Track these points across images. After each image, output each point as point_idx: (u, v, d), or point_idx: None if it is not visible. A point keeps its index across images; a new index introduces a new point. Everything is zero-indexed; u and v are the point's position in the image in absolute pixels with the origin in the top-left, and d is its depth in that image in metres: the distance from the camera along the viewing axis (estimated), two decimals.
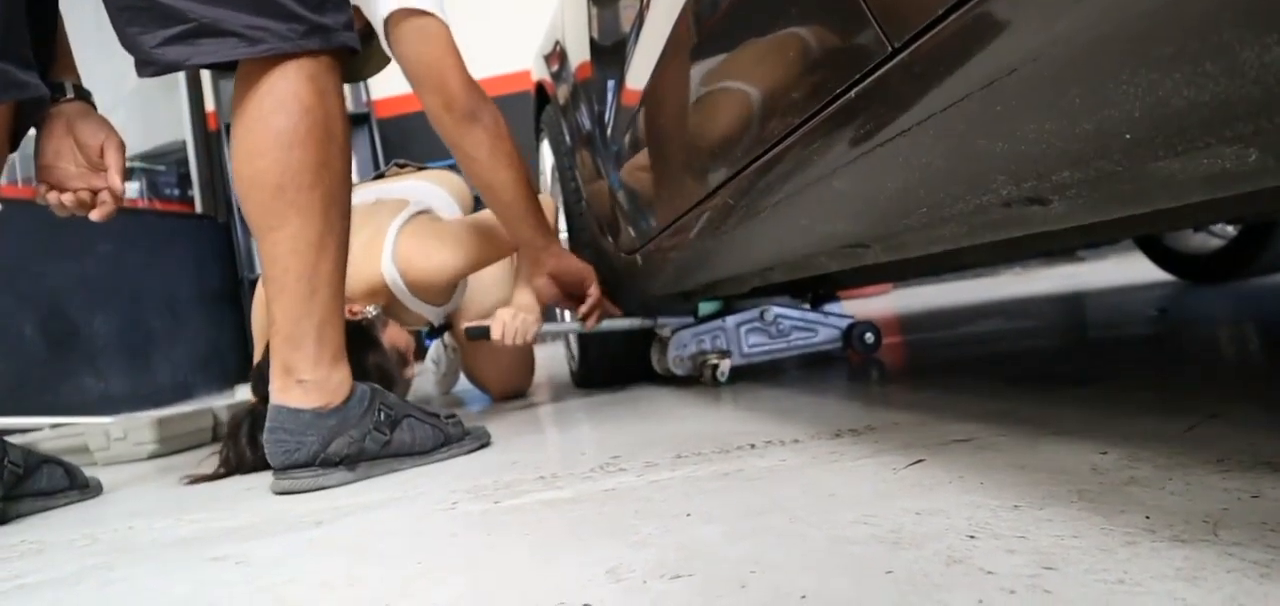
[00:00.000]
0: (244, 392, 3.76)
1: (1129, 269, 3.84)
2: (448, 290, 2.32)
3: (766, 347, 2.27)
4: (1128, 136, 0.59)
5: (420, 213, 2.32)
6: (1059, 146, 0.65)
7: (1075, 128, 0.62)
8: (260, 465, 1.74)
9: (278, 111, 1.42)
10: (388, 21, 1.76)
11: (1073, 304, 3.20)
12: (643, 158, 1.71)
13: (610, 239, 2.17)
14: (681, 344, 2.22)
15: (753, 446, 1.27)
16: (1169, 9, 0.52)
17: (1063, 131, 0.64)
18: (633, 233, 1.98)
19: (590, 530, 0.95)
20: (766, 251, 1.40)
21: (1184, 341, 1.86)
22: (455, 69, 1.79)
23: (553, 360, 3.64)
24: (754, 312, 2.25)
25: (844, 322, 2.32)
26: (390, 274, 2.18)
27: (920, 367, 2.08)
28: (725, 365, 2.16)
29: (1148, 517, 0.71)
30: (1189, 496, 0.75)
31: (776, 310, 2.26)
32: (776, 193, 1.10)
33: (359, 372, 1.61)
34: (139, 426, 2.46)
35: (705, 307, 2.40)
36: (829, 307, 2.41)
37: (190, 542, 1.21)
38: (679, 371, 2.22)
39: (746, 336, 2.25)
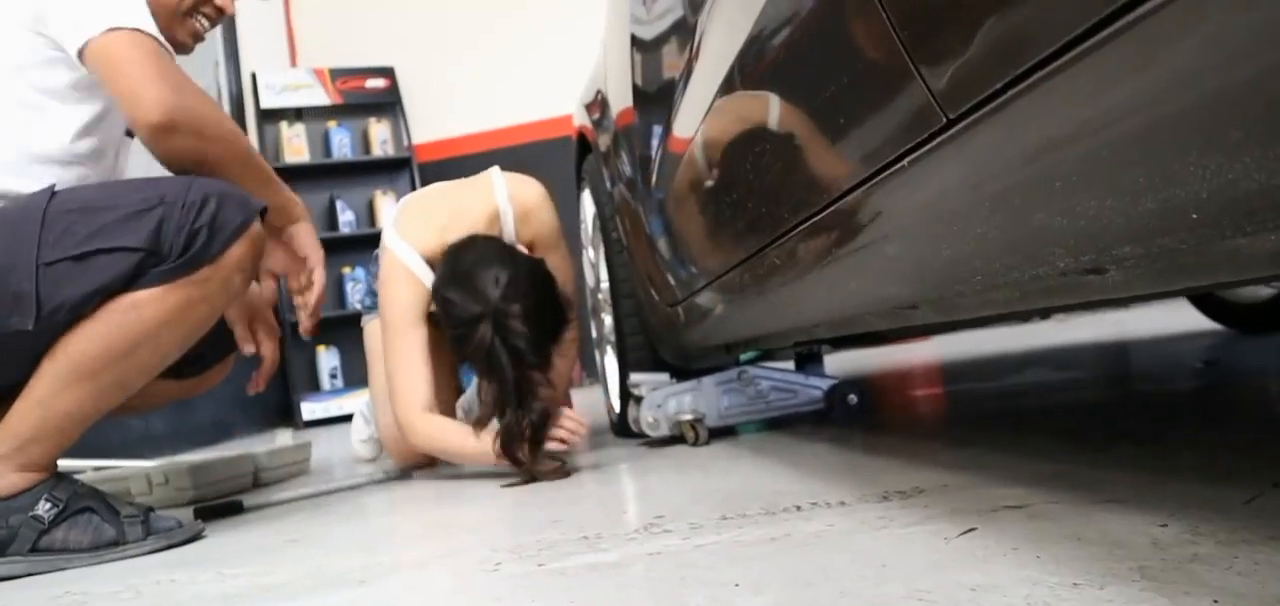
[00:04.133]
0: (285, 436, 3.78)
1: (1174, 316, 3.78)
2: (534, 231, 2.37)
3: (743, 408, 2.23)
4: (1194, 216, 0.58)
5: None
6: (1121, 223, 0.64)
7: (1138, 206, 0.61)
8: None
9: None
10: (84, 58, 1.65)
11: (1117, 354, 3.15)
12: (687, 209, 1.71)
13: (651, 291, 2.17)
14: (655, 404, 2.18)
15: (798, 508, 1.26)
16: (1239, 91, 0.51)
17: (1125, 209, 0.62)
18: (674, 285, 1.97)
19: (637, 597, 0.94)
20: (813, 310, 1.39)
21: (1235, 397, 1.82)
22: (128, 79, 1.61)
23: (590, 408, 3.63)
24: (732, 373, 2.22)
25: (826, 384, 2.27)
26: (502, 203, 2.30)
27: (964, 420, 2.05)
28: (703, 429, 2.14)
29: (1215, 602, 0.69)
30: (1257, 577, 0.73)
31: (754, 371, 2.23)
32: (826, 254, 1.09)
33: (554, 302, 2.02)
34: (180, 472, 2.48)
35: (745, 357, 2.38)
36: (811, 368, 2.37)
37: (232, 599, 1.21)
38: (653, 434, 2.17)
39: (722, 396, 2.21)
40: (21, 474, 1.60)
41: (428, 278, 2.20)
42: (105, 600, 1.32)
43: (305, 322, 1.98)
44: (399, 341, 2.17)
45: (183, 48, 1.91)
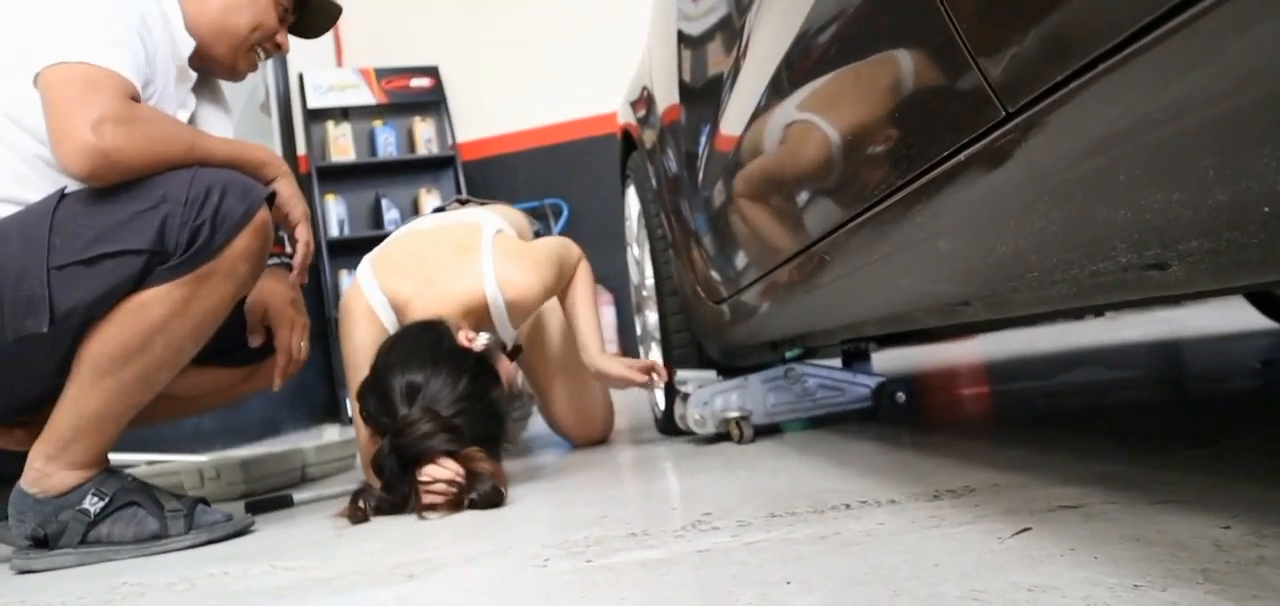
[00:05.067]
0: (332, 432, 3.81)
1: (1228, 314, 3.71)
2: (533, 311, 2.27)
3: (790, 406, 2.21)
4: (1266, 210, 0.57)
5: (499, 232, 2.26)
6: (1188, 217, 0.62)
7: (1207, 199, 0.60)
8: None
9: None
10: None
11: (1170, 353, 3.10)
12: (735, 205, 1.70)
13: (697, 287, 2.16)
14: (701, 401, 2.16)
15: (847, 506, 1.25)
16: None
17: (1193, 202, 0.61)
18: (720, 281, 1.96)
19: (687, 597, 0.93)
20: (862, 307, 1.37)
21: None
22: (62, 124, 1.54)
23: (634, 404, 3.63)
24: (778, 370, 2.20)
25: (873, 381, 2.25)
26: (492, 292, 2.12)
27: (1014, 419, 2.03)
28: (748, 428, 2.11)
29: None
30: None
31: (801, 368, 2.21)
32: (877, 250, 1.08)
33: (486, 410, 1.79)
34: (232, 467, 2.51)
35: (791, 355, 2.36)
36: (858, 366, 2.34)
37: (283, 592, 1.22)
38: (700, 431, 2.16)
39: (768, 394, 2.19)
40: (71, 472, 1.64)
41: (392, 323, 2.10)
42: (160, 591, 1.34)
43: (294, 279, 1.95)
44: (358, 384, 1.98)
45: (239, 75, 1.96)
